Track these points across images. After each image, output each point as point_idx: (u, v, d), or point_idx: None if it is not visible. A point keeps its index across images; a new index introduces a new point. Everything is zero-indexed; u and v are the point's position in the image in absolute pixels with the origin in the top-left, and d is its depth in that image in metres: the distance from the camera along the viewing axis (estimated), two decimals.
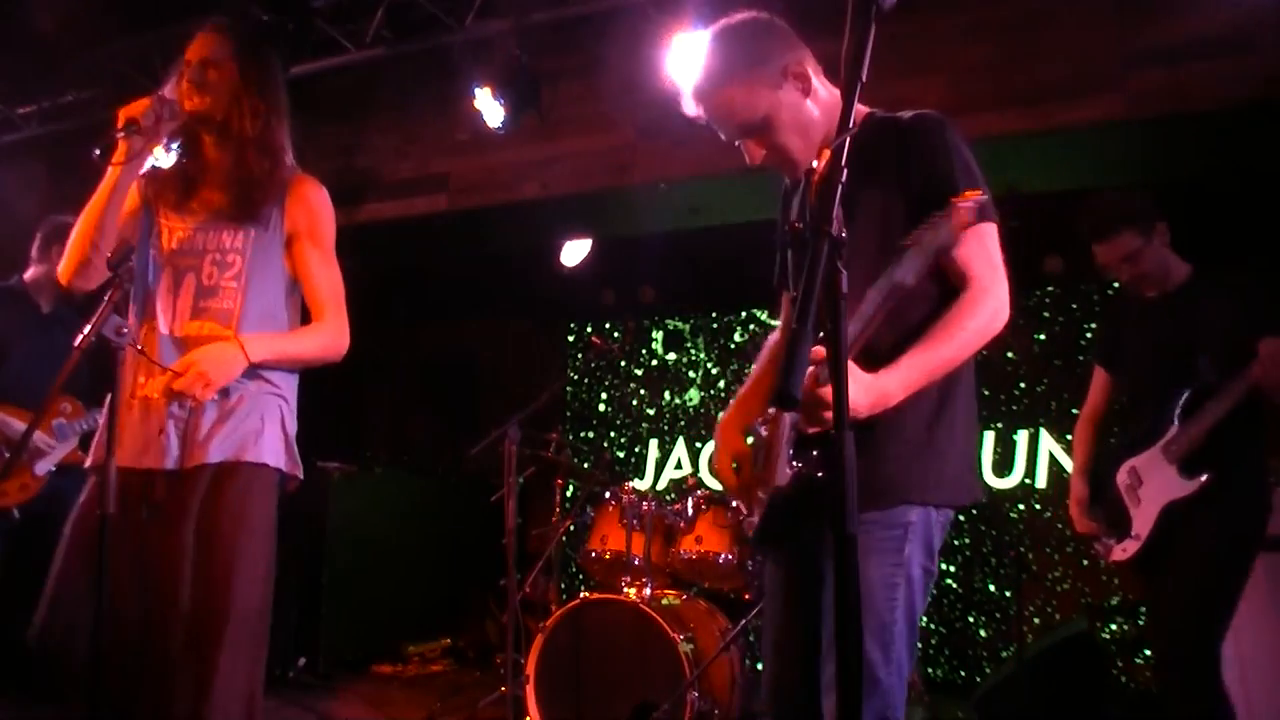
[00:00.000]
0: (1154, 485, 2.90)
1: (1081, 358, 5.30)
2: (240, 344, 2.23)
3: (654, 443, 6.42)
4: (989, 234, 1.80)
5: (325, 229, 2.41)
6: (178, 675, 2.12)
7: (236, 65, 2.33)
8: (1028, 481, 5.33)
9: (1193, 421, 2.81)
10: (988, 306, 1.75)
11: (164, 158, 2.42)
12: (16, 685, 4.43)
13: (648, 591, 3.88)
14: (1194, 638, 2.74)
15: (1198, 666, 2.72)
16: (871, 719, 1.71)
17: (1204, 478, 2.77)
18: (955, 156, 1.80)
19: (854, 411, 1.62)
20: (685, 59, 4.01)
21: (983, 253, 1.78)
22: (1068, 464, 5.26)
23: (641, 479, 6.34)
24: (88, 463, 2.32)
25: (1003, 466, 5.39)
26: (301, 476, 2.42)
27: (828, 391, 1.38)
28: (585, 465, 5.11)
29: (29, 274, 3.74)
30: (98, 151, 2.18)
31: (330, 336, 2.39)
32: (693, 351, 6.45)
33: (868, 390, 1.65)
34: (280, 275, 2.37)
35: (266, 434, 2.30)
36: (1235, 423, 2.75)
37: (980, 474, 5.33)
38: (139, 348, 2.26)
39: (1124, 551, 2.96)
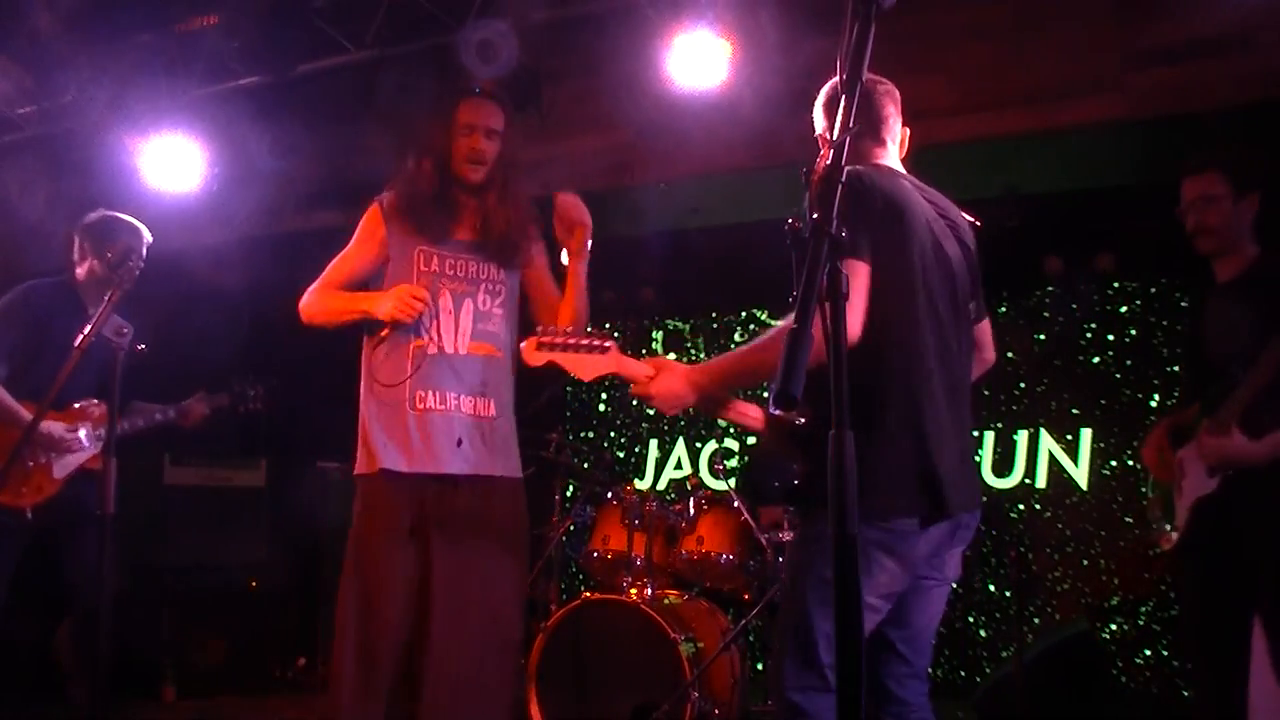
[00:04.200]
0: (1190, 480, 2.88)
1: (1081, 358, 5.30)
2: None
3: (654, 443, 6.41)
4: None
5: None
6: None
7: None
8: (1028, 481, 5.32)
9: (1217, 417, 2.75)
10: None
11: None
12: (18, 684, 4.43)
13: (649, 592, 3.87)
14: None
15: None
16: None
17: (1218, 478, 2.75)
18: None
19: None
20: (685, 59, 4.02)
21: None
22: (1068, 464, 5.26)
23: (642, 479, 6.34)
24: (357, 470, 2.65)
25: (1003, 466, 5.38)
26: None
27: None
28: (585, 465, 5.10)
29: (79, 272, 3.60)
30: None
31: None
32: (693, 352, 6.45)
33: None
34: None
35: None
36: (1260, 421, 2.67)
37: (982, 477, 5.33)
38: (142, 347, 2.39)
39: (1168, 542, 2.97)
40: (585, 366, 2.18)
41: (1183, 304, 4.94)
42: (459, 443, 2.58)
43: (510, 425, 2.75)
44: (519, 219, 2.80)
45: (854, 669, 1.23)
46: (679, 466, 6.30)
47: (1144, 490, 5.08)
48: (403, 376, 2.61)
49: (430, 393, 2.60)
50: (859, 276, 1.92)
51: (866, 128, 2.18)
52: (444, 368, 2.62)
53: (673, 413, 2.18)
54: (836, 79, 2.27)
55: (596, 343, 2.19)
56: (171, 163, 4.99)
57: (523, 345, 2.22)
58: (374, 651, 2.51)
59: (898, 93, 2.24)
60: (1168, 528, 3.01)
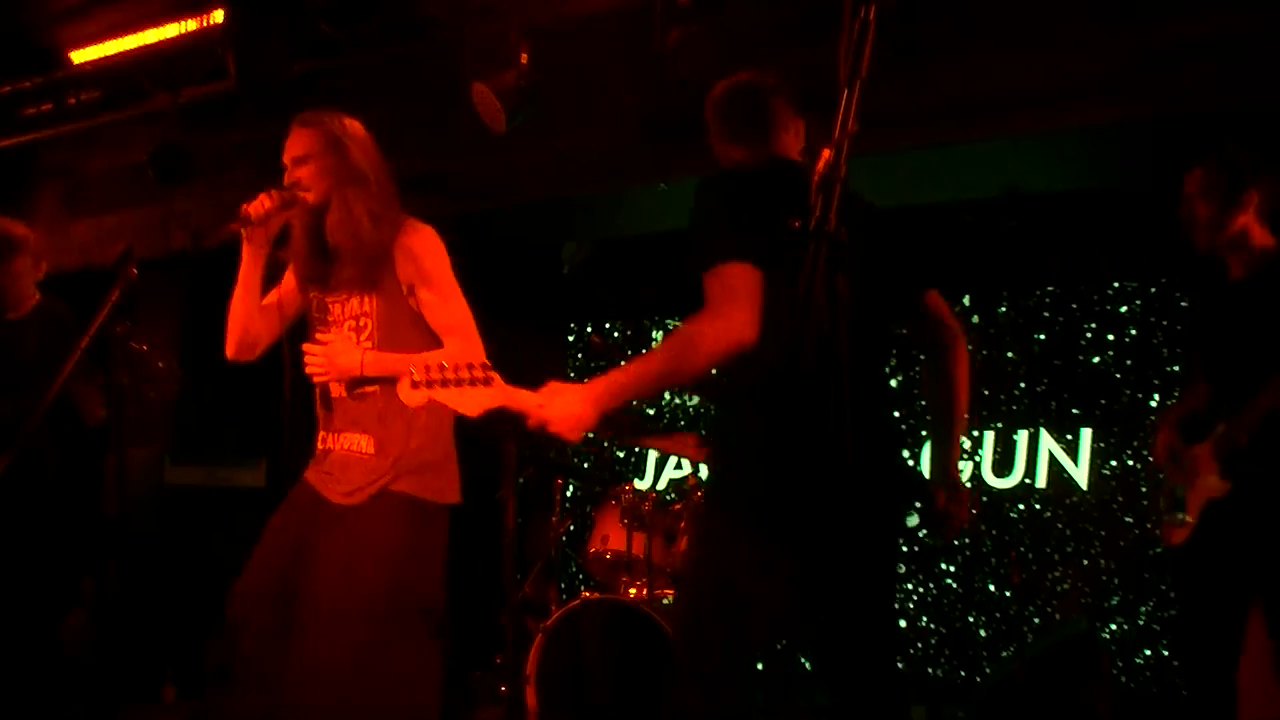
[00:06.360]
0: (1203, 479, 2.87)
1: (1081, 358, 5.30)
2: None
3: None
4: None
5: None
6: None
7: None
8: (1028, 481, 5.32)
9: (1236, 423, 2.73)
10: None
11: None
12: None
13: (648, 591, 3.87)
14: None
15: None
16: None
17: (1231, 483, 2.75)
18: None
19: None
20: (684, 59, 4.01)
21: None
22: (1068, 464, 5.26)
23: (641, 479, 6.34)
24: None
25: (1003, 466, 5.38)
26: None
27: None
28: (585, 465, 5.10)
29: None
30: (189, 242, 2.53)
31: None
32: None
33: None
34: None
35: None
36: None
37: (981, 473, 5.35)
38: (145, 346, 2.39)
39: (1179, 536, 2.95)
40: (469, 401, 2.06)
41: (1183, 304, 4.94)
42: None
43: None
44: (361, 233, 2.61)
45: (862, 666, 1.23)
46: (679, 466, 6.30)
47: (1144, 490, 5.10)
48: None
49: None
50: (742, 278, 1.91)
51: (756, 129, 2.26)
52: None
53: (576, 438, 2.02)
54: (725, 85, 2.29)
55: (479, 375, 2.05)
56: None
57: (398, 385, 2.08)
58: None
59: (785, 86, 2.31)
60: (1180, 517, 2.97)
